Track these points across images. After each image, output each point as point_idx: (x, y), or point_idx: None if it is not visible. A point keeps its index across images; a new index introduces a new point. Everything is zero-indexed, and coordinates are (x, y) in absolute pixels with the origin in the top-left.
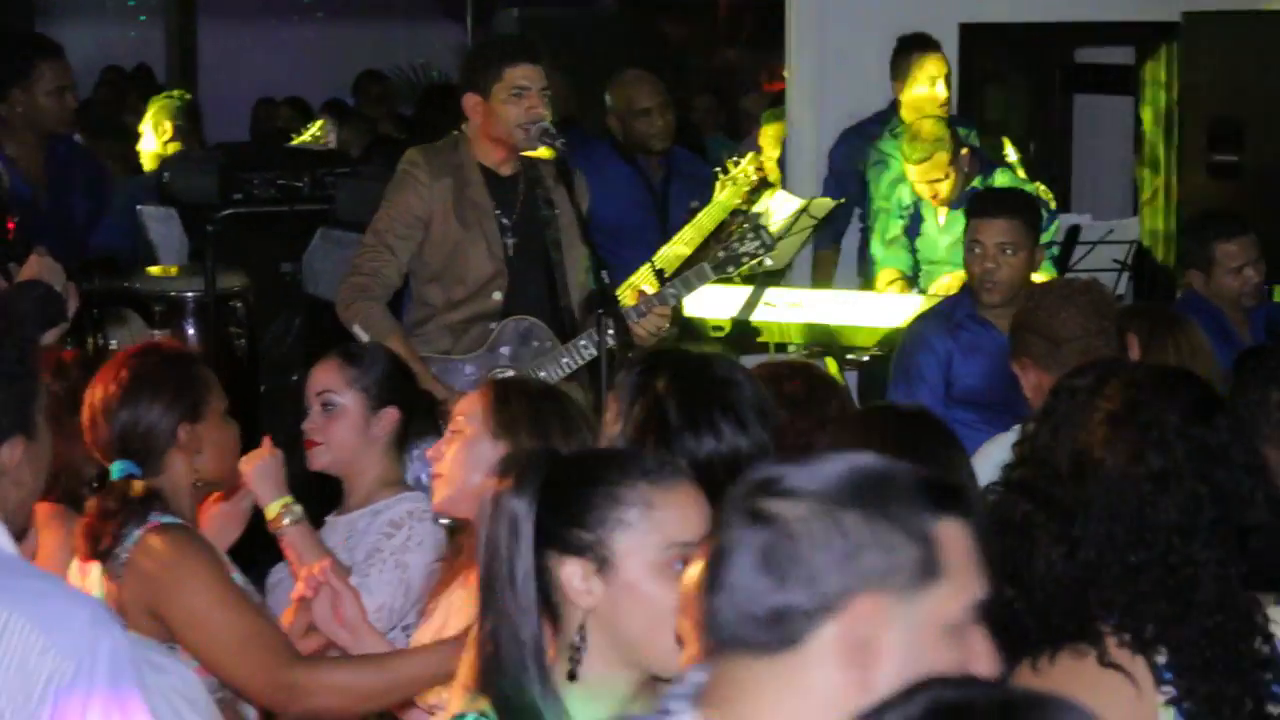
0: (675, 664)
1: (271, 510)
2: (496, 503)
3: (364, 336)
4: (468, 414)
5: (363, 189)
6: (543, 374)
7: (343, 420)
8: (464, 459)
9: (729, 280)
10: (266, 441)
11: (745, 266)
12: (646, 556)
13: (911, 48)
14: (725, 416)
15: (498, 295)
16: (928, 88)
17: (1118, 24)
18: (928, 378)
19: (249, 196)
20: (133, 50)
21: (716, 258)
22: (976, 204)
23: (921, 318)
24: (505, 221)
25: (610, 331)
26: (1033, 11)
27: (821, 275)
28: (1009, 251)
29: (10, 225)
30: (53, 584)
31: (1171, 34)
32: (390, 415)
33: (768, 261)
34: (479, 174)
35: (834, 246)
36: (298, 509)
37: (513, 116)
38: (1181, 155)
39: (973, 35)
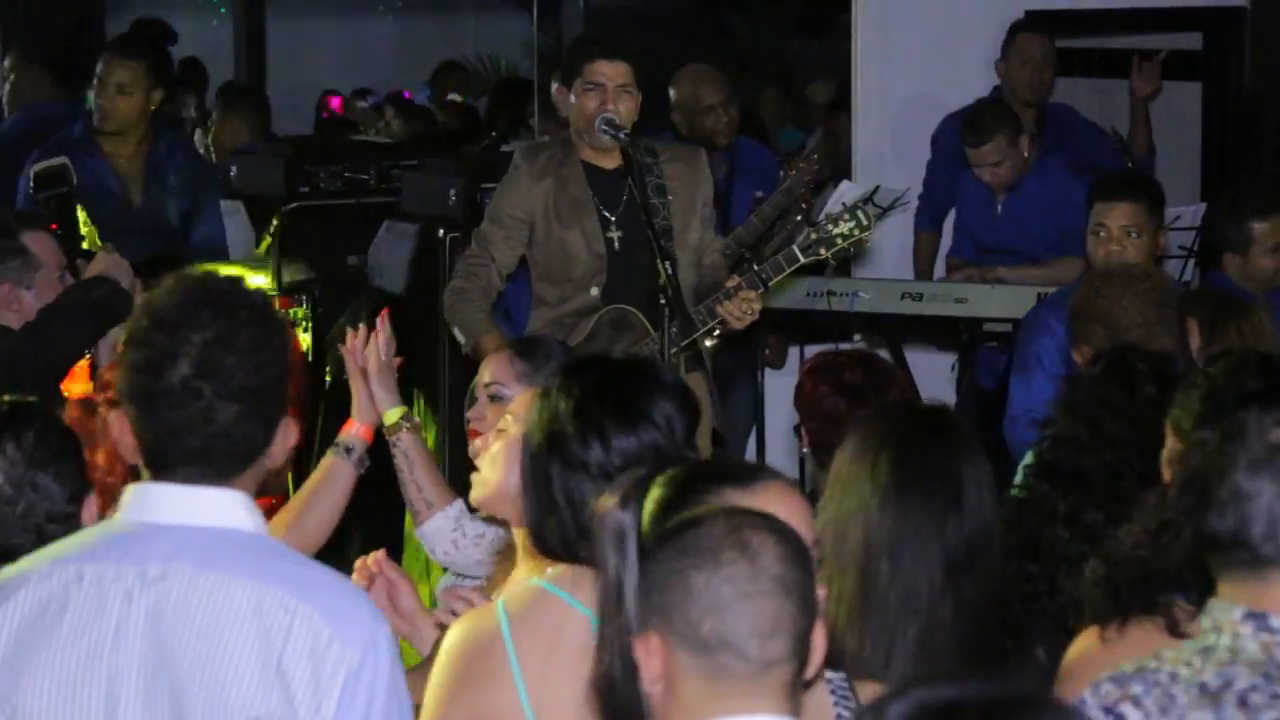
0: None
1: (392, 416)
2: (603, 520)
3: (461, 339)
4: (516, 414)
5: (428, 181)
6: None
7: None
8: (505, 459)
9: (821, 261)
10: (381, 334)
11: (839, 247)
12: None
13: (1016, 29)
14: (618, 424)
15: (595, 291)
16: (1025, 69)
17: (1185, 9)
18: (1045, 362)
19: (315, 189)
20: (202, 44)
21: (809, 238)
22: (1100, 187)
23: (1043, 302)
24: (608, 215)
25: (674, 325)
26: None
27: (922, 259)
28: (1133, 234)
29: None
30: (326, 573)
31: (1239, 19)
32: None
33: (866, 240)
34: (580, 170)
35: (935, 230)
36: (416, 418)
37: (585, 109)
38: (1249, 142)
39: (1039, 22)
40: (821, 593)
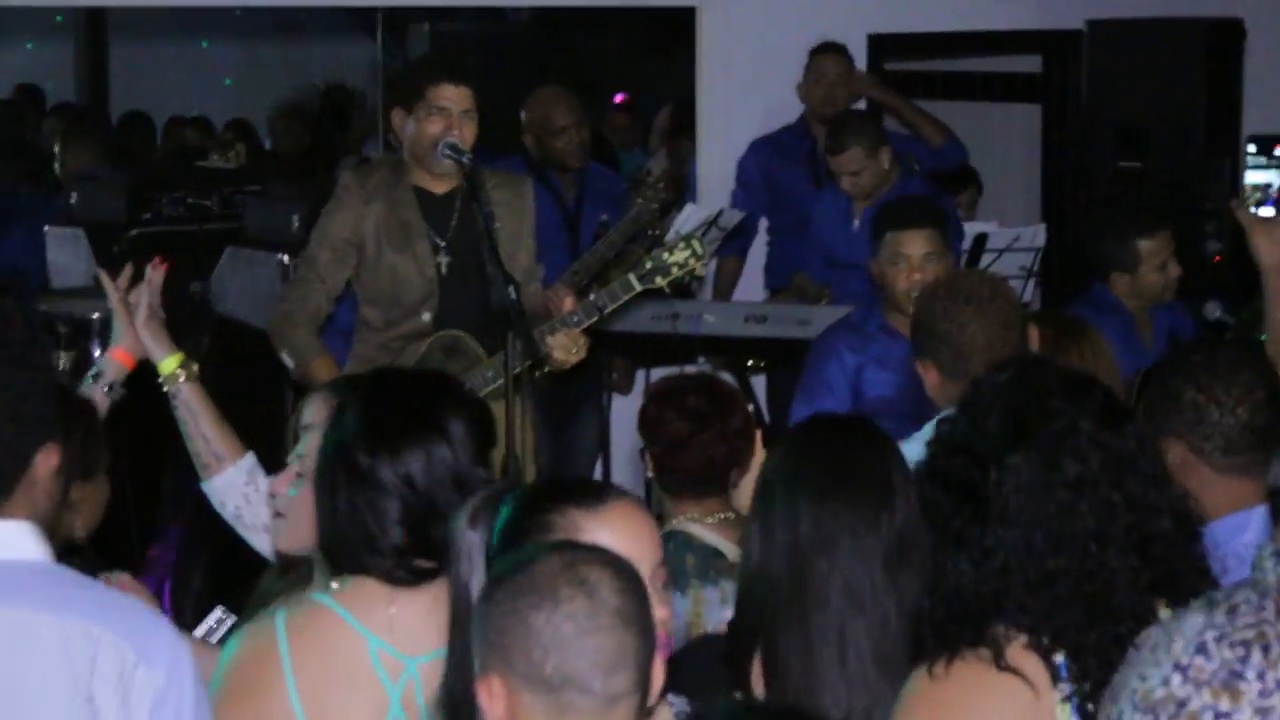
0: None
1: (168, 365)
2: (453, 540)
3: (290, 364)
4: (311, 454)
5: (271, 207)
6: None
7: None
8: (309, 501)
9: (657, 291)
10: (151, 282)
11: (674, 276)
12: None
13: (814, 51)
14: (408, 438)
15: (427, 316)
16: (819, 87)
17: (1024, 33)
18: (834, 389)
19: (157, 216)
20: (42, 67)
21: (644, 268)
22: (892, 217)
23: (832, 329)
24: (438, 240)
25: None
26: (940, 21)
27: (724, 284)
28: (933, 260)
29: None
30: (121, 597)
31: (1077, 42)
32: None
33: (699, 271)
34: (411, 194)
35: (738, 256)
36: (194, 366)
37: (428, 134)
38: (1088, 163)
39: (880, 46)
40: (662, 614)
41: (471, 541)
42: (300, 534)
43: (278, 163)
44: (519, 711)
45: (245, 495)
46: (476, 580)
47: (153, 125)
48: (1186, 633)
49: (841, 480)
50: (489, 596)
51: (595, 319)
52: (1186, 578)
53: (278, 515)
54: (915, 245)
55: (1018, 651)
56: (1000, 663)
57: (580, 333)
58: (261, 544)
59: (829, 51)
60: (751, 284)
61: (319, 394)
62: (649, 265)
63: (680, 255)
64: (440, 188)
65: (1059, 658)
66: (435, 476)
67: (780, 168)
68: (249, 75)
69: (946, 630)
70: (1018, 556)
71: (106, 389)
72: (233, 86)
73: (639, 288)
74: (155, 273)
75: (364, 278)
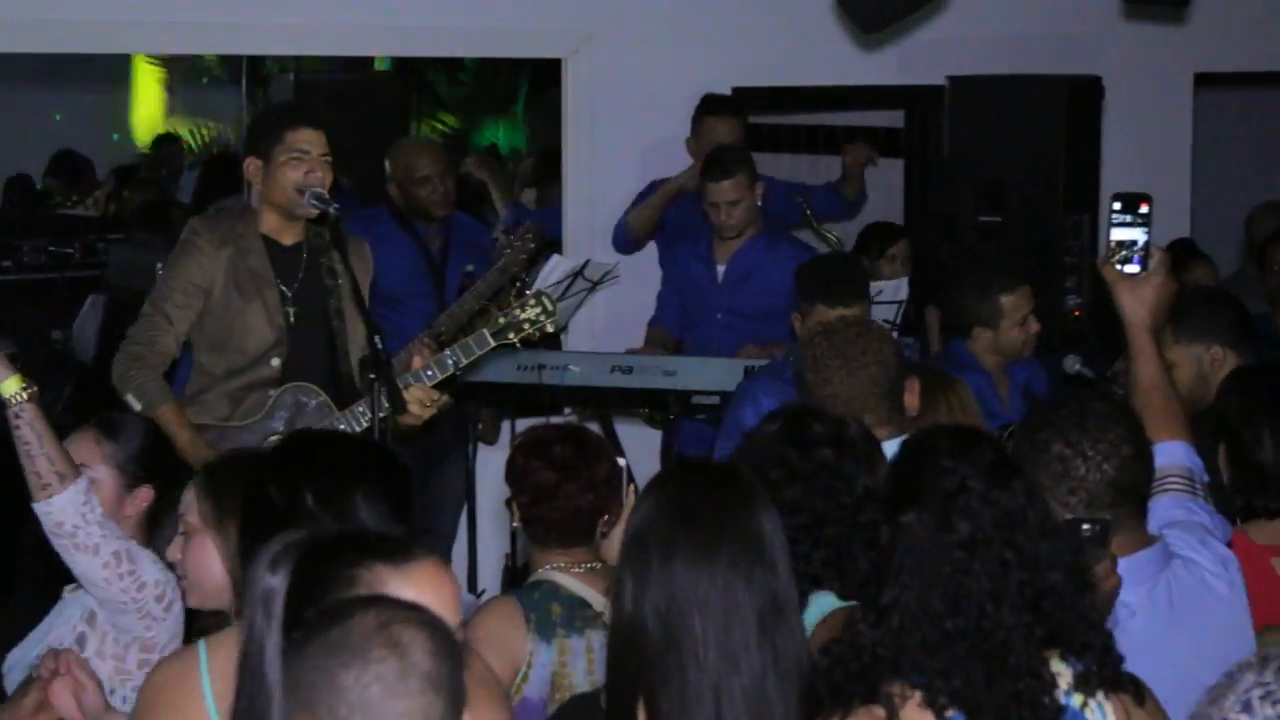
0: None
1: (9, 386)
2: (252, 582)
3: (136, 406)
4: (186, 508)
5: (135, 255)
6: None
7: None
8: (198, 557)
9: (510, 346)
10: None
11: (526, 332)
12: None
13: (701, 111)
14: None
15: (276, 363)
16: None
17: (887, 88)
18: None
19: (19, 264)
20: None
21: (497, 324)
22: (822, 291)
23: (753, 376)
24: (286, 291)
25: (384, 399)
26: (804, 75)
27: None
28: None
29: None
30: None
31: (938, 97)
32: (144, 494)
33: (549, 328)
34: (260, 243)
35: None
36: (34, 388)
37: (290, 180)
38: (949, 217)
39: (745, 99)
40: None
41: (271, 587)
42: (205, 588)
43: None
44: None
45: (83, 514)
46: (274, 628)
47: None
48: (1237, 688)
49: (718, 537)
50: (299, 648)
51: (449, 374)
52: (1077, 630)
53: (181, 578)
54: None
55: (912, 710)
56: (894, 718)
57: (434, 387)
58: (87, 566)
59: (721, 115)
60: (618, 334)
61: (84, 435)
62: (502, 321)
63: (532, 312)
64: (289, 238)
65: (954, 714)
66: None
67: (676, 219)
68: (113, 123)
69: (842, 689)
70: (914, 617)
71: None
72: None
73: (492, 343)
74: None
75: (207, 325)
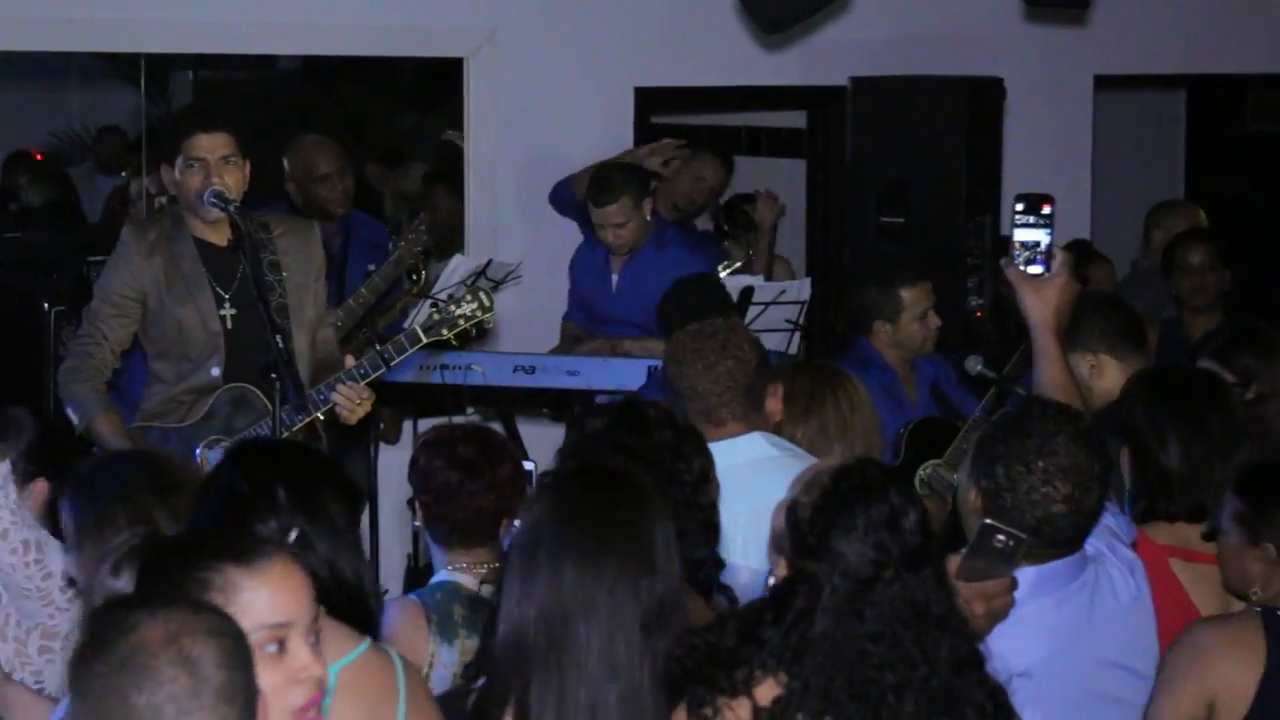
0: None
1: None
2: (94, 587)
3: (75, 419)
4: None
5: (30, 254)
6: None
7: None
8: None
9: (442, 342)
10: None
11: (461, 328)
12: None
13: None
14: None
15: (216, 370)
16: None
17: (789, 88)
18: None
19: None
20: None
21: (431, 319)
22: (684, 310)
23: (652, 377)
24: (221, 292)
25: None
26: (707, 76)
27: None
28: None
29: None
30: None
31: (840, 98)
32: (39, 488)
33: (487, 324)
34: (193, 247)
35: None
36: None
37: (192, 186)
38: (851, 218)
39: (647, 99)
40: (317, 671)
41: (115, 589)
42: None
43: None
44: None
45: None
46: None
47: None
48: None
49: (607, 543)
50: (87, 661)
51: (381, 371)
52: (973, 702)
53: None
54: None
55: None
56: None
57: (365, 385)
58: None
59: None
60: (521, 334)
61: None
62: (436, 318)
63: (468, 308)
64: (221, 239)
65: None
66: None
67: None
68: (9, 121)
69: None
70: (816, 695)
71: None
72: None
73: (425, 340)
74: None
75: (151, 332)
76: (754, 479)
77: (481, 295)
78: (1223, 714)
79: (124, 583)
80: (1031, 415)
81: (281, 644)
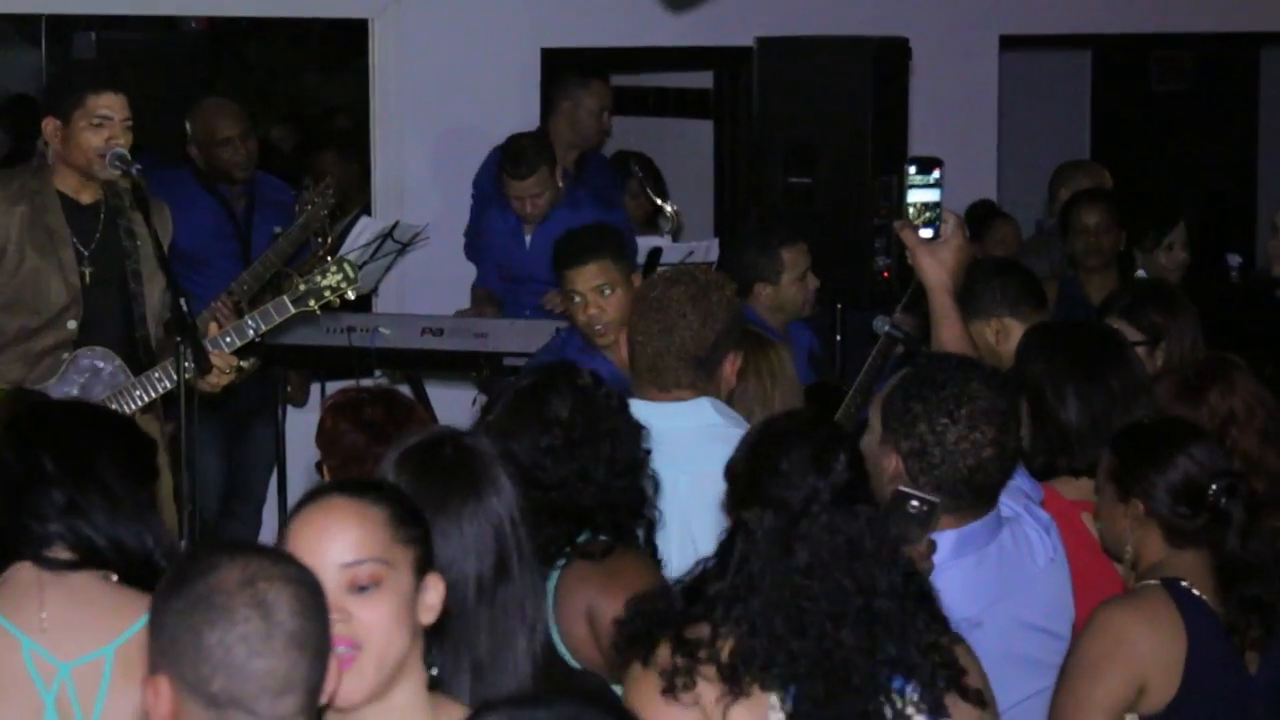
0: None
1: None
2: None
3: None
4: None
5: None
6: (115, 406)
7: None
8: None
9: (310, 312)
10: None
11: (327, 299)
12: None
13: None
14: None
15: (72, 325)
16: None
17: (696, 49)
18: None
19: None
20: None
21: (297, 290)
22: (562, 254)
23: (561, 336)
24: (82, 250)
25: (189, 362)
26: (613, 36)
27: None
28: (609, 290)
29: None
30: None
31: (747, 59)
32: None
33: (350, 294)
34: (57, 201)
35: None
36: None
37: (91, 144)
38: (758, 178)
39: (554, 60)
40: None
41: None
42: None
43: None
44: (183, 716)
45: None
46: None
47: None
48: None
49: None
50: (166, 599)
51: (247, 341)
52: (913, 652)
53: None
54: (585, 280)
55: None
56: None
57: (232, 354)
58: None
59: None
60: (429, 296)
61: None
62: (303, 288)
63: (333, 279)
64: (87, 197)
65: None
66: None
67: (486, 179)
68: None
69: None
70: (757, 634)
71: None
72: None
73: (293, 310)
74: None
75: (2, 283)
76: (696, 445)
77: (345, 266)
78: (1154, 695)
79: None
80: (940, 367)
81: None
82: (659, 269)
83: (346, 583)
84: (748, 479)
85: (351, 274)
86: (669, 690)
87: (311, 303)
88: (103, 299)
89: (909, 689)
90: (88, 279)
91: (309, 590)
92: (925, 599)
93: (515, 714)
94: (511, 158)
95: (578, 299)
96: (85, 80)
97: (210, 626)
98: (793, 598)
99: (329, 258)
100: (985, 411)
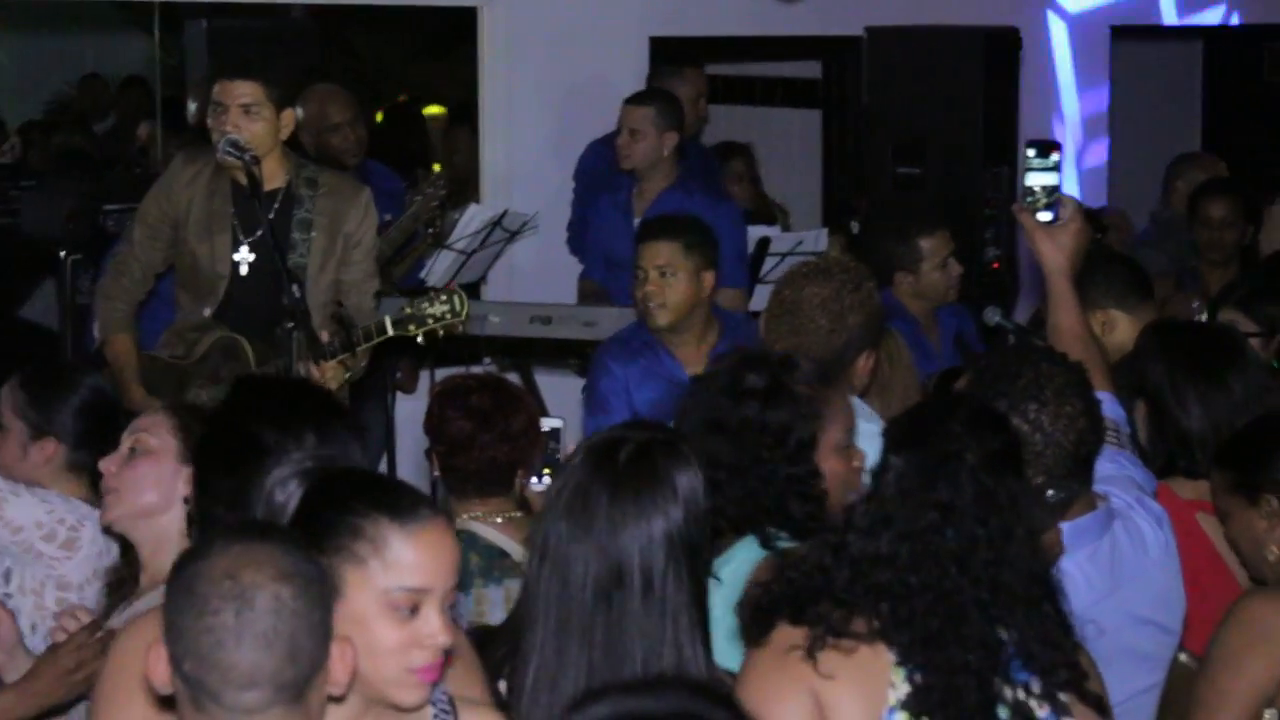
0: (398, 695)
1: None
2: (265, 488)
3: (96, 335)
4: (152, 432)
5: (46, 202)
6: None
7: (6, 442)
8: (142, 477)
9: (408, 337)
10: None
11: (430, 328)
12: (372, 593)
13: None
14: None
15: (208, 310)
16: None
17: (805, 38)
18: (611, 406)
19: None
20: None
21: (403, 313)
22: (642, 227)
23: (605, 344)
24: (242, 237)
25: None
26: (721, 25)
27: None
28: (668, 274)
29: None
30: None
31: (856, 48)
32: (47, 447)
33: (457, 329)
34: (229, 185)
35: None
36: None
37: (214, 131)
38: (868, 168)
39: (662, 48)
40: (446, 639)
41: (277, 497)
42: (129, 506)
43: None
44: (175, 684)
45: None
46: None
47: None
48: None
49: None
50: (174, 568)
51: (347, 355)
52: (1040, 647)
53: (109, 491)
54: (651, 257)
55: (859, 626)
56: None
57: (335, 364)
58: None
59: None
60: (538, 284)
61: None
62: (408, 312)
63: (440, 308)
64: (271, 184)
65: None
66: None
67: (604, 170)
68: (23, 72)
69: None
70: (880, 562)
71: None
72: (6, 83)
73: (391, 333)
74: None
75: (177, 260)
76: None
77: (455, 298)
78: None
79: (288, 494)
80: (1004, 360)
81: (415, 608)
82: (768, 258)
83: (448, 602)
84: (905, 432)
85: (459, 307)
86: (805, 650)
87: (412, 328)
88: (255, 289)
89: (1032, 681)
90: (242, 268)
91: (301, 588)
92: (1052, 594)
93: (622, 701)
94: (643, 90)
95: (641, 273)
96: (214, 70)
97: (184, 612)
98: (923, 532)
99: (437, 290)
100: (1066, 385)
